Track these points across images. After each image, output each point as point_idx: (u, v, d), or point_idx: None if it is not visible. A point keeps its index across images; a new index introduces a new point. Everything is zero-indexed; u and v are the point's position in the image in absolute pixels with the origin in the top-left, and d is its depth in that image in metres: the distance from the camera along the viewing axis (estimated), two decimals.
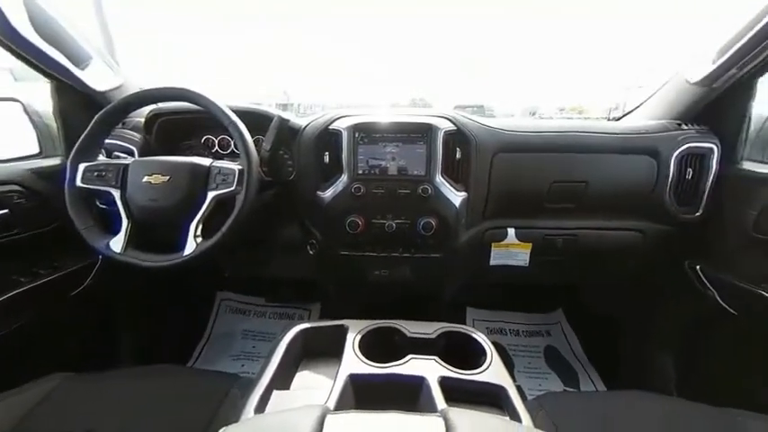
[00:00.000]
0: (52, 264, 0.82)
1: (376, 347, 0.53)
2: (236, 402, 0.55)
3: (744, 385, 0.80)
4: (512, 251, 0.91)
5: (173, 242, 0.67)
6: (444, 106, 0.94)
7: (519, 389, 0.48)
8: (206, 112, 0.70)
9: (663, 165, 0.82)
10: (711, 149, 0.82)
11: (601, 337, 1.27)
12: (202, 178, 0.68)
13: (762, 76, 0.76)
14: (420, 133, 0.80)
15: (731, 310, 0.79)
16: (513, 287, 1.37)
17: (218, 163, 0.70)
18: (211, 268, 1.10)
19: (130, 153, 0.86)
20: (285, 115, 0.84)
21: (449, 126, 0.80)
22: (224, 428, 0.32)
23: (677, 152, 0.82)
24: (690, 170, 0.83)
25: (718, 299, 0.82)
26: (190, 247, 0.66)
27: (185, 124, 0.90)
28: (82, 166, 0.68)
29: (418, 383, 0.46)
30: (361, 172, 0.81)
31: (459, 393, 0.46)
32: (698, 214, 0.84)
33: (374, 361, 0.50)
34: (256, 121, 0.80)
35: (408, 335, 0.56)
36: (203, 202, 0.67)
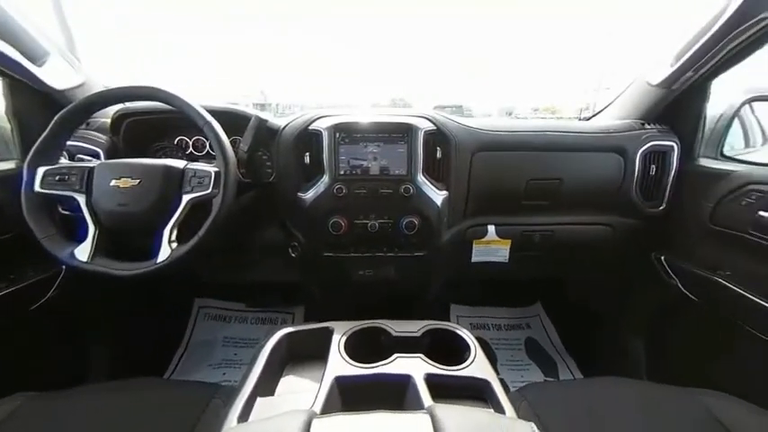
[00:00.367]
0: (8, 276, 0.76)
1: (362, 348, 0.53)
2: (218, 412, 0.53)
3: (705, 367, 0.86)
4: (492, 248, 0.94)
5: (145, 249, 0.64)
6: (424, 106, 0.95)
7: (502, 381, 0.49)
8: (178, 112, 0.67)
9: (629, 162, 0.87)
10: (672, 147, 0.88)
11: (577, 328, 1.33)
12: (176, 181, 0.65)
13: (714, 78, 0.82)
14: (401, 133, 0.80)
15: (693, 297, 0.85)
16: (494, 283, 1.41)
17: (193, 165, 0.67)
18: (188, 275, 1.06)
19: (96, 155, 0.81)
20: (263, 115, 0.82)
21: (429, 126, 0.81)
22: None
23: (641, 150, 0.87)
24: (653, 167, 0.88)
25: (681, 287, 0.87)
26: (164, 253, 0.63)
27: (156, 125, 0.86)
28: (41, 170, 0.64)
29: (405, 382, 0.47)
30: (342, 172, 0.80)
31: (444, 389, 0.46)
32: (662, 208, 0.90)
33: (360, 362, 0.49)
34: (233, 121, 0.78)
35: (394, 334, 0.56)
36: (178, 206, 0.64)
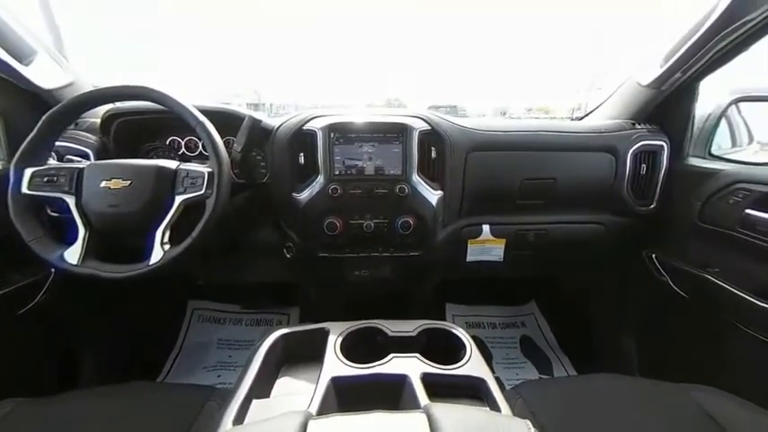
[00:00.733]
0: None
1: (358, 348, 0.53)
2: (212, 415, 0.53)
3: (697, 363, 0.88)
4: (487, 247, 0.94)
5: (138, 251, 0.63)
6: (419, 106, 0.95)
7: (498, 380, 0.50)
8: (170, 112, 0.66)
9: (620, 161, 0.89)
10: (662, 147, 0.89)
11: (571, 326, 1.35)
12: (169, 182, 0.64)
13: (703, 79, 0.84)
14: (396, 133, 0.80)
15: (683, 294, 0.87)
16: (489, 281, 1.42)
17: (186, 165, 0.66)
18: (182, 276, 1.04)
19: (85, 156, 0.79)
20: (257, 115, 0.81)
21: (423, 126, 0.81)
22: None
23: (632, 149, 0.88)
24: (644, 166, 0.90)
25: (671, 284, 0.89)
26: (156, 254, 0.62)
27: (147, 125, 0.85)
28: (29, 171, 0.62)
29: (401, 381, 0.47)
30: (337, 172, 0.80)
31: (441, 388, 0.47)
32: (652, 206, 0.92)
33: (357, 362, 0.49)
34: (226, 121, 0.77)
35: (390, 334, 0.56)
36: (170, 207, 0.63)
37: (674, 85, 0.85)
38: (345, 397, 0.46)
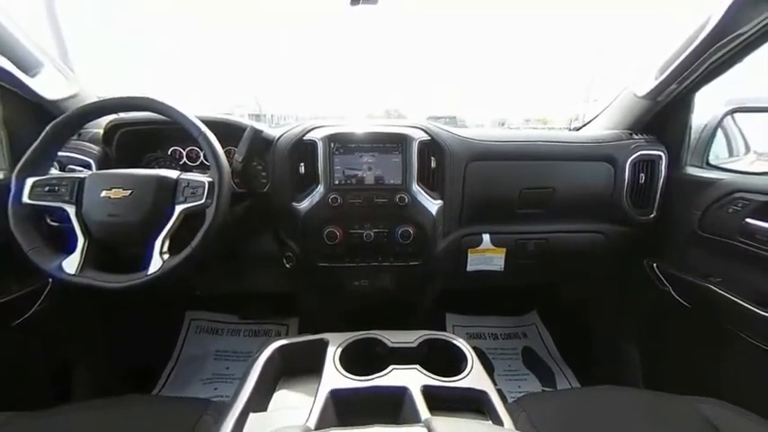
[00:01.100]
0: None
1: (357, 360, 0.52)
2: (208, 429, 0.52)
3: (702, 374, 0.86)
4: (487, 256, 0.94)
5: (137, 261, 0.63)
6: (418, 117, 0.96)
7: (500, 392, 0.49)
8: (173, 122, 0.67)
9: (619, 171, 0.89)
10: (660, 156, 0.90)
11: (573, 336, 1.33)
12: (169, 192, 0.65)
13: (698, 90, 0.85)
14: (395, 143, 0.81)
15: (686, 304, 0.86)
16: (490, 291, 1.41)
17: (187, 175, 0.67)
18: (180, 287, 1.04)
19: (87, 166, 0.80)
20: (258, 126, 0.82)
21: (423, 136, 0.82)
22: None
23: (631, 159, 0.89)
24: (642, 175, 0.90)
25: (674, 293, 0.88)
26: (155, 264, 0.62)
27: (149, 135, 0.86)
28: (30, 181, 0.63)
29: (401, 394, 0.46)
30: (337, 182, 0.81)
31: (442, 401, 0.46)
32: (652, 216, 0.92)
33: (356, 374, 0.49)
34: (228, 131, 0.78)
35: (390, 345, 0.55)
36: (170, 216, 0.63)
37: (669, 96, 0.87)
38: (344, 410, 0.46)
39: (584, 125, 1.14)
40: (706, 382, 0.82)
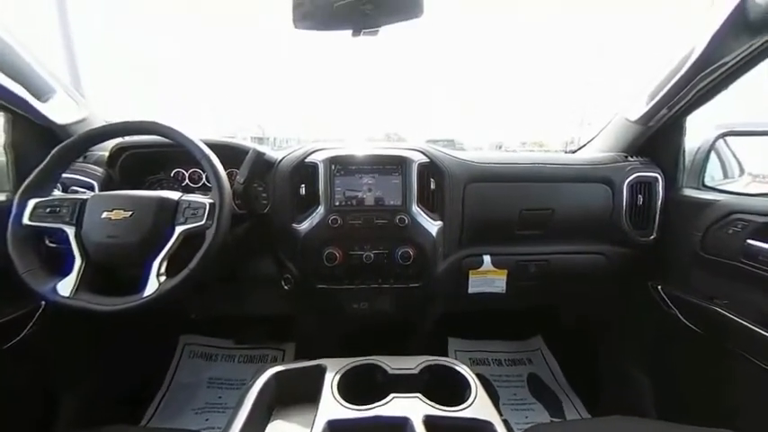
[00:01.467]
0: None
1: (356, 387, 0.50)
2: None
3: (714, 400, 0.83)
4: (489, 278, 0.93)
5: (133, 282, 0.62)
6: (417, 140, 0.99)
7: (506, 423, 0.46)
8: (177, 145, 0.68)
9: (617, 192, 0.90)
10: (656, 178, 0.91)
11: (579, 361, 1.29)
12: (170, 212, 0.65)
13: (689, 114, 0.88)
14: (395, 165, 0.82)
15: (695, 329, 0.84)
16: (492, 314, 1.38)
17: (188, 196, 0.67)
18: (175, 309, 1.01)
19: (90, 188, 0.81)
20: (261, 149, 0.84)
21: (422, 158, 0.83)
22: None
23: (627, 180, 0.90)
24: (640, 197, 0.91)
25: (680, 317, 0.86)
26: (151, 286, 0.61)
27: (153, 157, 0.87)
28: (32, 203, 0.63)
29: (402, 424, 0.44)
30: (338, 203, 0.81)
31: None
32: (653, 237, 0.92)
33: (355, 402, 0.47)
34: (231, 154, 0.80)
35: (390, 371, 0.53)
36: (170, 237, 0.63)
37: (660, 121, 0.89)
38: None
39: (580, 148, 1.16)
40: (719, 410, 0.79)
